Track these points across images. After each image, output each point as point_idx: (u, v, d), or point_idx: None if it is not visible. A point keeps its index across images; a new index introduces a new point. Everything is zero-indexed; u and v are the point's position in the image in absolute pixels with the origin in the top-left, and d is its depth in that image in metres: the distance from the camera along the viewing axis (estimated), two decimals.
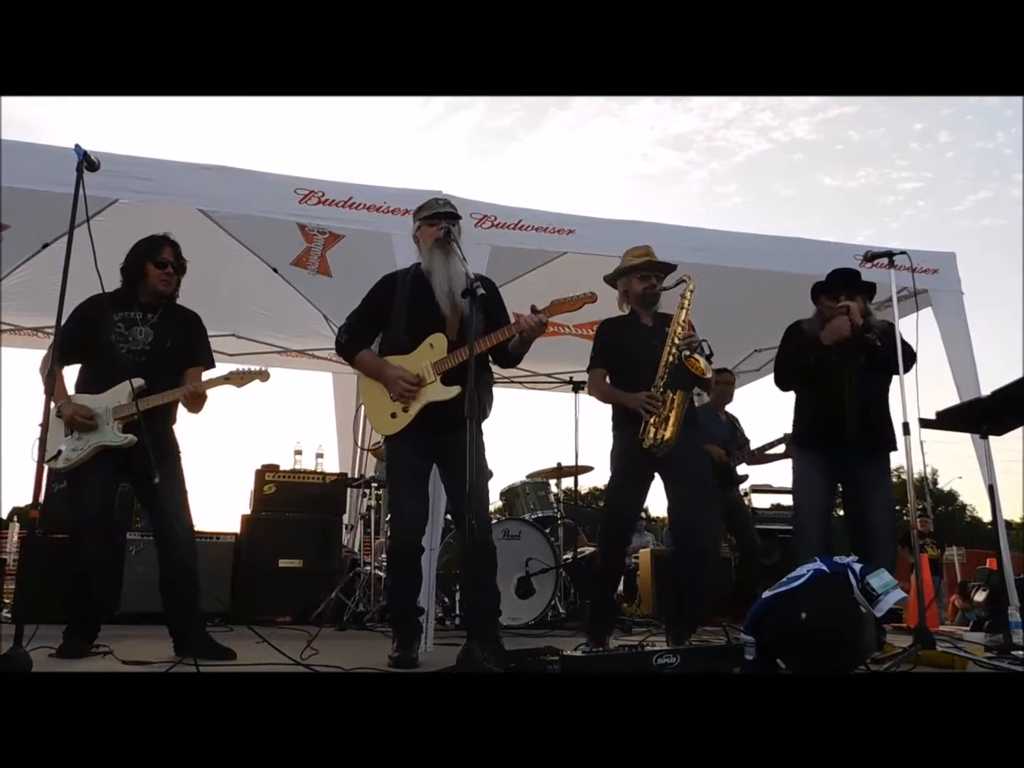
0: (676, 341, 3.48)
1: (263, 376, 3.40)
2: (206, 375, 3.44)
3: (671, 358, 3.48)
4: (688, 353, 3.44)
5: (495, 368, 3.51)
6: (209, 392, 3.35)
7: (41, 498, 2.42)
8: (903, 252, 3.74)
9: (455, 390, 3.07)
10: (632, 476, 3.58)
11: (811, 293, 3.87)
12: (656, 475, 3.60)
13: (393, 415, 3.18)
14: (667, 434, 3.43)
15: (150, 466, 2.95)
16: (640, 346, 3.59)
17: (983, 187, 77.78)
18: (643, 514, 9.48)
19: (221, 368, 3.50)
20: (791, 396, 3.99)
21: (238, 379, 3.35)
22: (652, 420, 3.44)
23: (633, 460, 3.53)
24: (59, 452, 3.19)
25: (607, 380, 3.73)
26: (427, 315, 3.18)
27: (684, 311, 3.55)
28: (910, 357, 3.57)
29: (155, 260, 3.34)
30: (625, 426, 3.58)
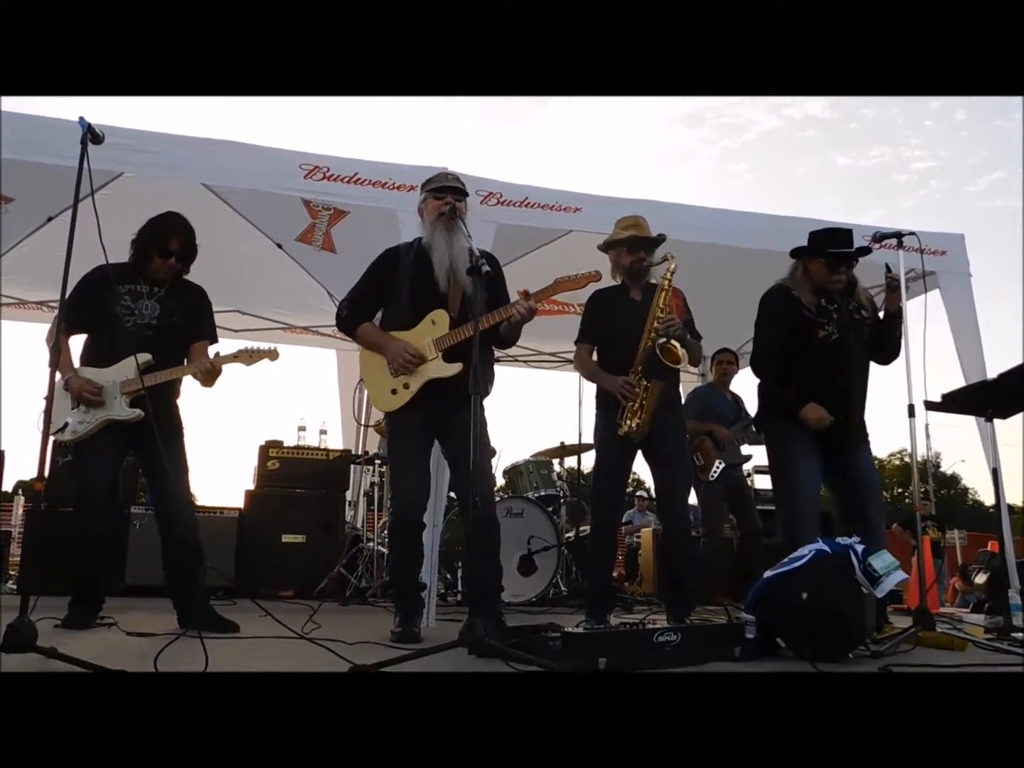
0: (656, 326, 3.41)
1: (272, 355, 3.39)
2: (211, 350, 3.43)
3: (649, 344, 3.42)
4: (664, 340, 3.35)
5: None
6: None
7: (46, 471, 2.42)
8: (912, 233, 3.73)
9: (456, 367, 3.06)
10: (615, 458, 3.58)
11: (804, 250, 3.52)
12: (640, 452, 3.59)
13: (394, 391, 3.18)
14: (641, 422, 3.41)
15: (154, 440, 2.96)
16: (626, 324, 3.53)
17: (998, 167, 76.95)
18: (646, 494, 9.50)
19: (225, 344, 3.49)
20: None
21: (247, 357, 3.34)
22: (629, 406, 3.42)
23: (614, 442, 3.51)
24: (66, 424, 3.21)
25: (593, 356, 3.70)
26: (428, 291, 3.17)
27: (664, 293, 3.45)
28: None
29: (160, 248, 3.30)
30: (606, 408, 3.56)
